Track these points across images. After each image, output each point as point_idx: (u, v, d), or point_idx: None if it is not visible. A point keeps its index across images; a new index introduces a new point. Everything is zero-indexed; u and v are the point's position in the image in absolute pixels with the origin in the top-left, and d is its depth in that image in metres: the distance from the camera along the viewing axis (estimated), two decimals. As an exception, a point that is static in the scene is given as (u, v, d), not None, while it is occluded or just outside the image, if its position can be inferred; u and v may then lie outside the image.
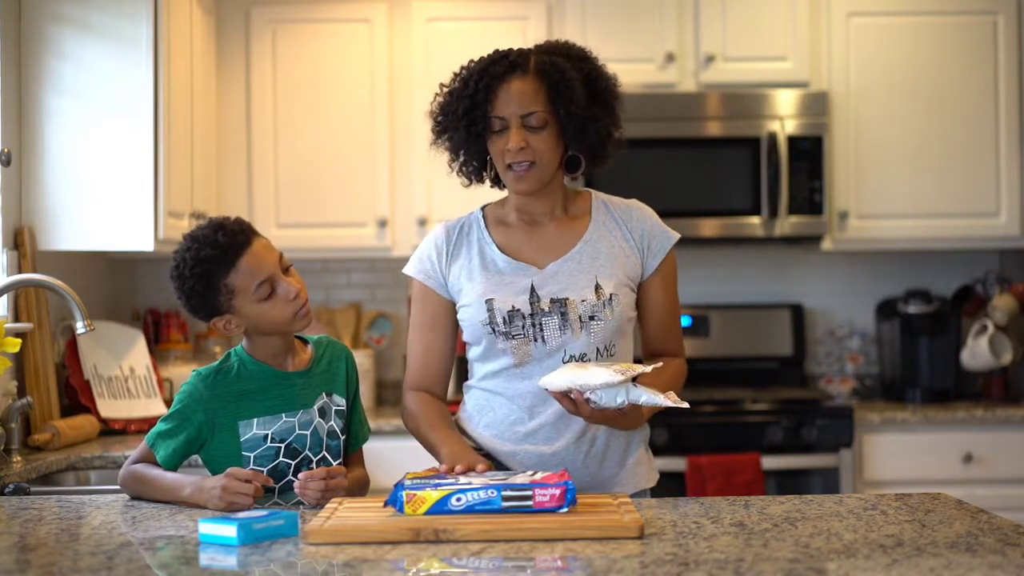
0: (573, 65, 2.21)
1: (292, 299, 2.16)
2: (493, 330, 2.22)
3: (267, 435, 2.19)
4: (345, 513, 1.91)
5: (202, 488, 2.06)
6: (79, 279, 3.56)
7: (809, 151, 4.10)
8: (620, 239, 2.28)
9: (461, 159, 2.30)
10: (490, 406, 2.28)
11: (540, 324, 2.20)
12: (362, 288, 4.55)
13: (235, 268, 2.12)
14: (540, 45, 2.27)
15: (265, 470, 2.17)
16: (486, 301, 2.23)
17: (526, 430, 2.23)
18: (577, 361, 2.20)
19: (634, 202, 2.34)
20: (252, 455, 2.18)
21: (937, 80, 4.20)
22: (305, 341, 2.32)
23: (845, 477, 3.85)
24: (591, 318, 2.20)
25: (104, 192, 3.48)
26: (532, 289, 2.22)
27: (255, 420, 2.19)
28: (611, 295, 2.21)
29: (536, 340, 2.21)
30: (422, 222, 4.17)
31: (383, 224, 4.17)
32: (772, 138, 4.08)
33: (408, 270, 2.35)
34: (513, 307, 2.21)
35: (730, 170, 4.10)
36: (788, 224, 4.08)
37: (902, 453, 3.91)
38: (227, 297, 2.14)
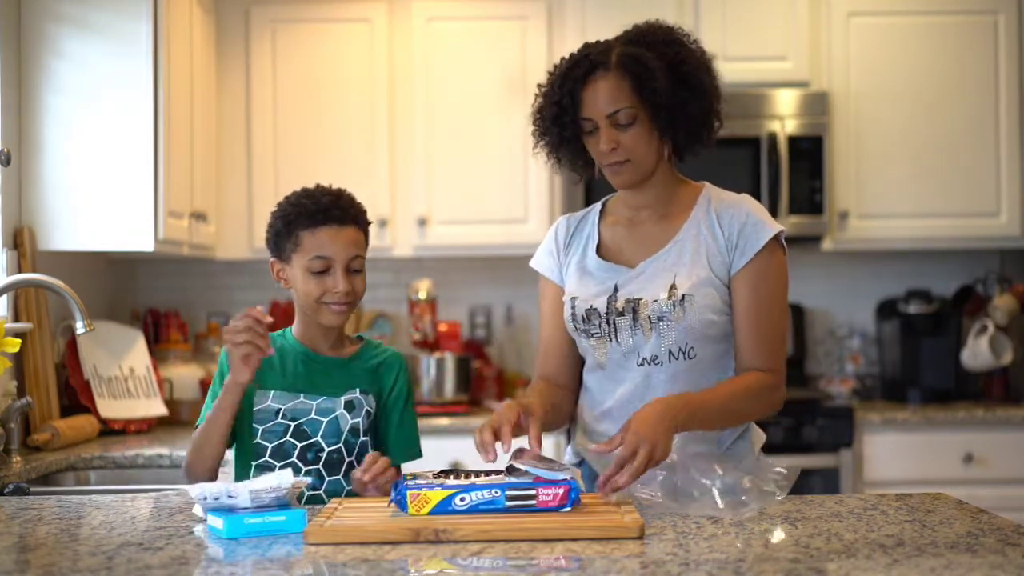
0: (657, 52, 2.14)
1: (332, 290, 2.18)
2: (575, 327, 2.23)
3: (279, 410, 2.20)
4: (345, 513, 1.91)
5: (227, 381, 2.13)
6: (79, 279, 3.56)
7: (809, 151, 4.10)
8: (710, 237, 2.18)
9: (563, 161, 2.27)
10: (582, 399, 2.30)
11: (614, 324, 2.18)
12: (362, 288, 4.55)
13: (312, 230, 2.18)
14: (626, 33, 2.20)
15: (270, 446, 2.19)
16: (571, 299, 2.24)
17: (600, 430, 2.23)
18: (650, 364, 2.17)
19: (742, 197, 2.24)
20: (261, 427, 2.20)
21: (937, 80, 4.20)
22: (361, 339, 2.33)
23: (845, 477, 3.85)
24: (659, 319, 2.15)
25: (104, 192, 3.48)
26: (615, 289, 2.20)
27: (271, 392, 2.21)
28: (683, 296, 2.14)
29: (611, 340, 2.19)
30: (422, 222, 4.17)
31: (383, 224, 4.17)
32: (772, 138, 4.08)
33: (533, 264, 2.37)
34: (591, 307, 2.20)
35: (730, 170, 4.10)
36: (788, 224, 4.08)
37: (902, 453, 3.91)
38: (292, 246, 2.20)
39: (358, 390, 2.24)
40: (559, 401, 2.27)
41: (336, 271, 2.19)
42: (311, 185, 2.29)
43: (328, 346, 2.27)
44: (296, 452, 2.19)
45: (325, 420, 2.21)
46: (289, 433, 2.20)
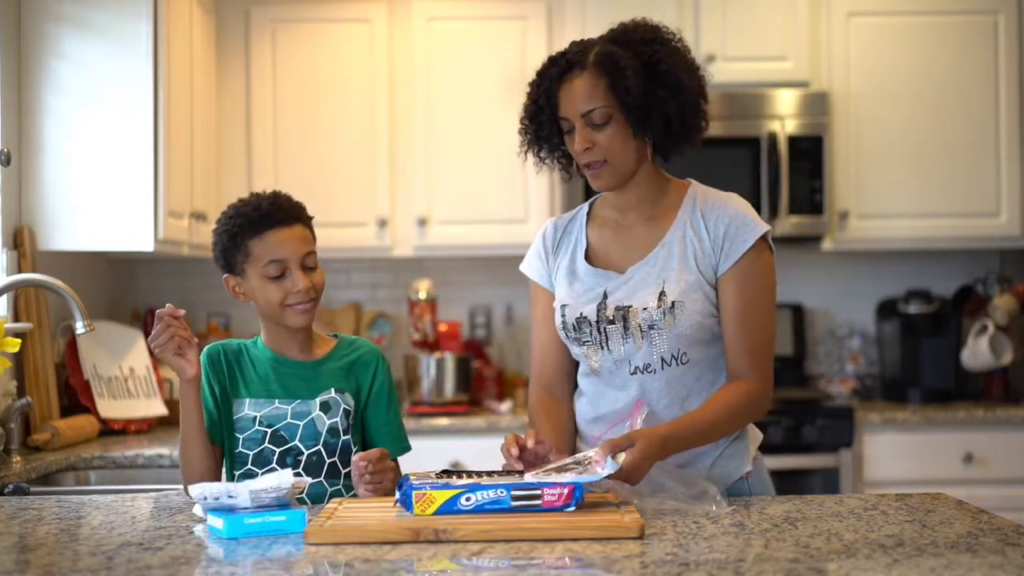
0: (634, 51, 2.11)
1: (292, 291, 2.19)
2: (567, 335, 2.21)
3: (256, 418, 2.21)
4: (345, 513, 1.91)
5: (179, 386, 2.19)
6: (79, 279, 3.56)
7: (809, 151, 4.10)
8: (696, 238, 2.15)
9: (544, 160, 2.25)
10: (577, 401, 2.28)
11: (605, 332, 2.15)
12: (362, 288, 4.55)
13: (261, 237, 2.19)
14: (610, 32, 2.17)
15: (251, 454, 2.19)
16: (561, 307, 2.21)
17: (594, 433, 2.22)
18: (643, 373, 2.15)
19: (729, 196, 2.20)
20: (242, 436, 2.21)
21: (937, 80, 4.20)
22: (336, 337, 2.34)
23: (845, 477, 3.85)
24: (651, 327, 2.12)
25: (104, 192, 3.48)
26: (604, 296, 2.17)
27: (247, 400, 2.22)
28: (673, 303, 2.11)
29: (603, 348, 2.17)
30: (422, 222, 4.17)
31: (383, 224, 4.17)
32: (772, 138, 4.08)
33: (523, 268, 2.34)
34: (581, 314, 2.18)
35: (730, 170, 4.10)
36: (788, 224, 4.08)
37: (902, 453, 3.91)
38: (243, 258, 2.21)
39: (333, 390, 2.24)
40: (568, 427, 2.25)
41: (293, 271, 2.19)
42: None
43: (297, 349, 2.27)
44: (275, 457, 2.20)
45: (301, 423, 2.21)
46: (267, 439, 2.20)
